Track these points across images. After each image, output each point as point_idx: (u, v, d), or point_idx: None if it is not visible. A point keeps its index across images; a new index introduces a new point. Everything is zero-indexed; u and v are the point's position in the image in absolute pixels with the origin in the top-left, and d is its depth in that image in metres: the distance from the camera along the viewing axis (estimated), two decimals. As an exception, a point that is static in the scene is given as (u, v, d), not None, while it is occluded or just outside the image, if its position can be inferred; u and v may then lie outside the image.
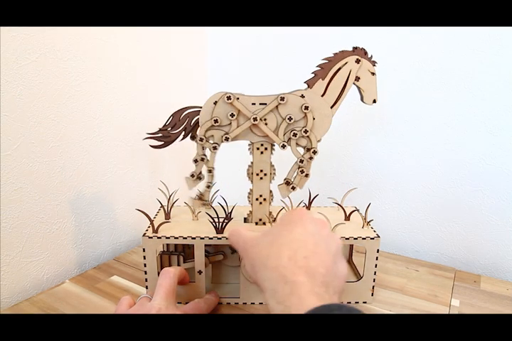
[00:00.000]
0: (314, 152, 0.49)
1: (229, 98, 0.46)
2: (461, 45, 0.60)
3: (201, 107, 0.48)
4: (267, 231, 0.37)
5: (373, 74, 0.48)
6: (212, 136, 0.48)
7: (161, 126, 0.49)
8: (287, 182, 0.50)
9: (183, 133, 0.49)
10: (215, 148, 0.48)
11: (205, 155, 0.49)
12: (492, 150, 0.61)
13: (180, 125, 0.49)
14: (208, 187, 0.51)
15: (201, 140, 0.48)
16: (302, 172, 0.50)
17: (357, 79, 0.48)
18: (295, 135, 0.48)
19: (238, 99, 0.46)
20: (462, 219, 0.66)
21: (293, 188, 0.50)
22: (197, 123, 0.49)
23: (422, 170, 0.67)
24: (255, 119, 0.46)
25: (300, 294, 0.28)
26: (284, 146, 0.48)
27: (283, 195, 0.51)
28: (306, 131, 0.47)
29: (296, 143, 0.49)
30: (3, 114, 0.48)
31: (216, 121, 0.47)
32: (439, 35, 0.61)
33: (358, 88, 0.48)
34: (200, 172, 0.50)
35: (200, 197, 0.51)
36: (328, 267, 0.32)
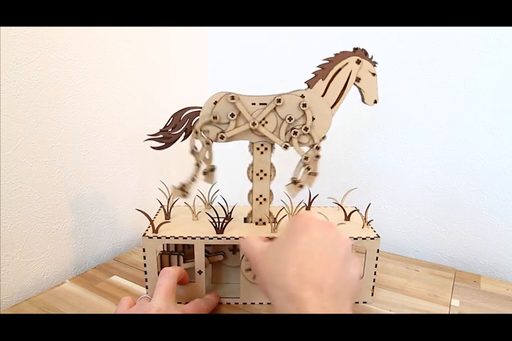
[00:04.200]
0: (317, 148, 0.49)
1: (233, 98, 0.46)
2: (461, 45, 0.60)
3: (201, 108, 0.48)
4: (274, 242, 0.37)
5: (374, 74, 0.48)
6: (208, 131, 0.48)
7: (161, 127, 0.49)
8: (294, 182, 0.50)
9: (184, 134, 0.49)
10: (207, 143, 0.48)
11: (195, 147, 0.49)
12: (492, 150, 0.61)
13: (181, 126, 0.49)
14: (193, 180, 0.50)
15: (196, 133, 0.48)
16: (308, 169, 0.50)
17: (357, 80, 0.48)
18: (295, 133, 0.47)
19: (239, 99, 0.46)
20: (462, 219, 0.66)
21: (301, 186, 0.50)
22: None
23: (422, 170, 0.67)
24: (254, 124, 0.46)
25: (307, 311, 0.29)
26: (286, 147, 0.48)
27: (292, 195, 0.51)
28: (306, 129, 0.47)
29: (298, 142, 0.49)
30: (3, 114, 0.48)
31: (215, 117, 0.47)
32: (439, 35, 0.61)
33: (359, 89, 0.48)
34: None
35: (182, 188, 0.50)
36: (336, 275, 0.32)
